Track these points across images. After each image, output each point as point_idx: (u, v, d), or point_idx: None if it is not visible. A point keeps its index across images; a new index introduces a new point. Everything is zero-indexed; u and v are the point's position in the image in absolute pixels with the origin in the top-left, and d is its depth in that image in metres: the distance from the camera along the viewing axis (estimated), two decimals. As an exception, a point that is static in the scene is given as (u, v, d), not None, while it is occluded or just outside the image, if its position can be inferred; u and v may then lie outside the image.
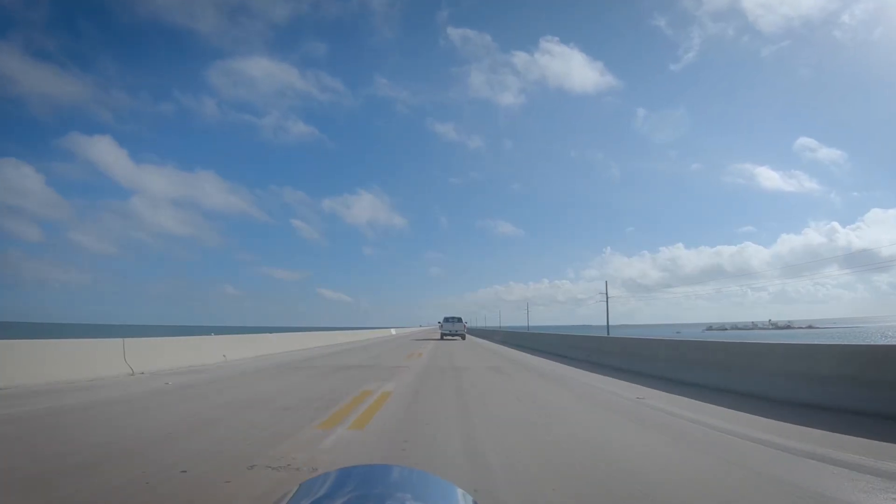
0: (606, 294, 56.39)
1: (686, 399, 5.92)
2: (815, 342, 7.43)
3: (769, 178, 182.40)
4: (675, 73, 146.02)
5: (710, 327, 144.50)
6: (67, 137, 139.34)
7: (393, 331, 43.89)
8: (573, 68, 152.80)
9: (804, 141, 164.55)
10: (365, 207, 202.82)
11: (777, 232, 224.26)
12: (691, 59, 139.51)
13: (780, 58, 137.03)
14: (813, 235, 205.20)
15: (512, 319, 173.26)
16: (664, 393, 6.46)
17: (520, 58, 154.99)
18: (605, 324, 54.80)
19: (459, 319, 29.83)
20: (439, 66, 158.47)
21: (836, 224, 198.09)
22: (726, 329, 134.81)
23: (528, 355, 15.36)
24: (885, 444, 3.60)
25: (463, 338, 29.34)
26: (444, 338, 29.37)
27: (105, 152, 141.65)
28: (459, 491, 0.68)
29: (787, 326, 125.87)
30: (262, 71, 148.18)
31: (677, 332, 73.29)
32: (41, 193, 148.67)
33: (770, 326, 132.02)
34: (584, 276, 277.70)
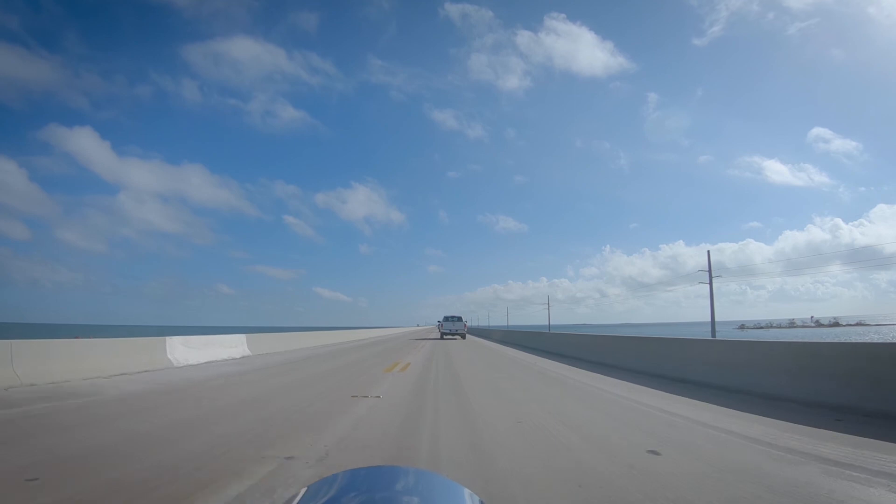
0: (710, 272, 33.17)
1: None
2: None
3: (778, 171, 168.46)
4: (694, 52, 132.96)
5: (742, 325, 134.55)
6: (46, 129, 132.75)
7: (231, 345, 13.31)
8: (581, 49, 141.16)
9: (818, 131, 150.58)
10: (361, 202, 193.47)
11: (780, 228, 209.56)
12: (717, 34, 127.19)
13: (807, 37, 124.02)
14: (816, 232, 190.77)
15: (513, 318, 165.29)
16: None
17: (524, 37, 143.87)
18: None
19: (460, 318, 29.37)
20: (437, 47, 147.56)
21: (839, 220, 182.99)
22: (762, 327, 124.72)
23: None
24: None
25: (463, 337, 29.12)
26: (444, 337, 28.96)
27: (86, 145, 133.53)
28: (467, 491, 0.68)
29: (835, 324, 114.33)
30: (247, 50, 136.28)
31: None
32: (24, 189, 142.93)
33: (813, 324, 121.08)
34: (583, 275, 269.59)
